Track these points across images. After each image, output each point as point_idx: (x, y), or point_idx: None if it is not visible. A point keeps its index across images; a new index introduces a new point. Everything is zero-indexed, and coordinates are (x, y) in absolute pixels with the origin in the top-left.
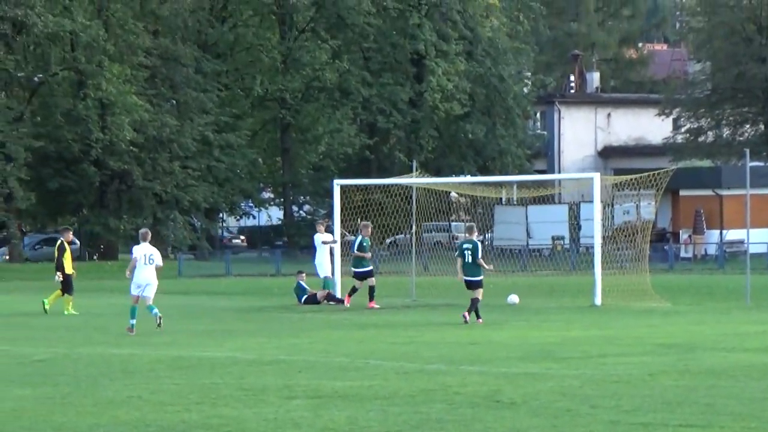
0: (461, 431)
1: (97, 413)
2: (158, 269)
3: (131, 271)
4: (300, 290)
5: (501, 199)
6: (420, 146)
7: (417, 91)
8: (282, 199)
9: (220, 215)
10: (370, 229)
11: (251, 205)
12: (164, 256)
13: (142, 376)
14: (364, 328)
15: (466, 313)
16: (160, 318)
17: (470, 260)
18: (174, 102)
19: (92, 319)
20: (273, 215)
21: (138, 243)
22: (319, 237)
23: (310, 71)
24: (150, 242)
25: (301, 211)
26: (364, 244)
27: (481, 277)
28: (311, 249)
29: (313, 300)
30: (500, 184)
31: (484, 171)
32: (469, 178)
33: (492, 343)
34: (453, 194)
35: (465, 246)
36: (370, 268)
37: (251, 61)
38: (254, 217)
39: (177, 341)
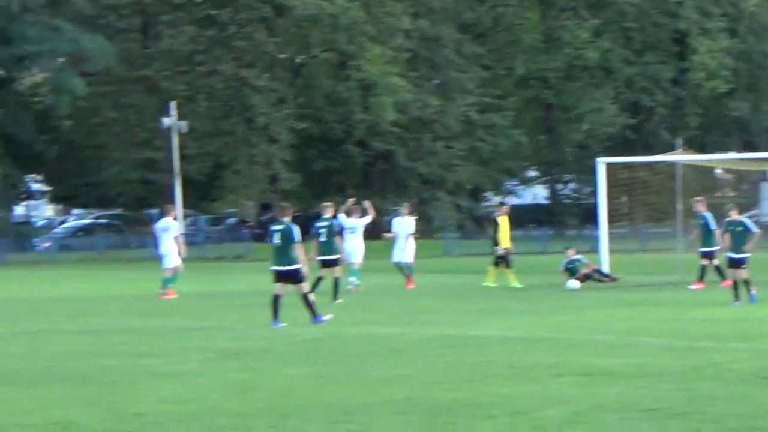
0: (732, 408)
1: (367, 392)
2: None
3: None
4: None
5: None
6: (685, 124)
7: (680, 69)
8: (547, 178)
9: (484, 195)
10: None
11: (516, 183)
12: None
13: (411, 355)
14: (629, 306)
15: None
16: None
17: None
18: (436, 83)
19: (360, 298)
20: (538, 194)
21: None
22: (172, 224)
23: (571, 51)
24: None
25: (566, 189)
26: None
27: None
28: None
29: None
30: (766, 160)
31: (749, 147)
32: (734, 155)
33: (762, 320)
34: (718, 171)
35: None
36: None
37: (512, 41)
38: (519, 196)
39: (445, 320)
